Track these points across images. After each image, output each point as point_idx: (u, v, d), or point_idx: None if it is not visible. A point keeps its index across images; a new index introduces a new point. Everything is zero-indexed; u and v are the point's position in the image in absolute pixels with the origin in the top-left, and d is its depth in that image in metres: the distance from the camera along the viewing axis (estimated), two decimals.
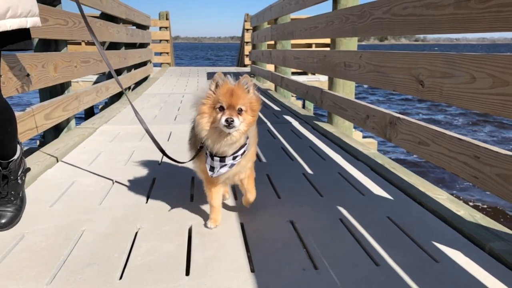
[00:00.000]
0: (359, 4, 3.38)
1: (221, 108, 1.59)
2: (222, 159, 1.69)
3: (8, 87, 2.56)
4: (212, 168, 1.72)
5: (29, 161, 2.77)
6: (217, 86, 1.63)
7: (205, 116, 1.62)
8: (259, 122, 1.82)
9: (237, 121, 1.56)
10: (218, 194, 1.88)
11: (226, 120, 1.55)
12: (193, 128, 1.84)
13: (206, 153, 1.73)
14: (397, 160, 4.74)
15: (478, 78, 1.84)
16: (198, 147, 1.80)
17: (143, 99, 6.16)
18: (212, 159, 1.70)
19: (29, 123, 2.88)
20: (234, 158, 1.69)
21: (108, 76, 6.46)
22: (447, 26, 2.10)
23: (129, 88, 7.27)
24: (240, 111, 1.60)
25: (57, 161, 2.86)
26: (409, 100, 17.01)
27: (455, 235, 1.83)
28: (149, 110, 5.16)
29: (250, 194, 1.96)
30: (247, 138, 1.72)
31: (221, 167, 1.70)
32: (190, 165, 2.02)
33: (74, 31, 4.03)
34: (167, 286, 1.43)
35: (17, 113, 2.74)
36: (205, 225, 1.88)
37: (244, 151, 1.72)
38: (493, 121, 11.85)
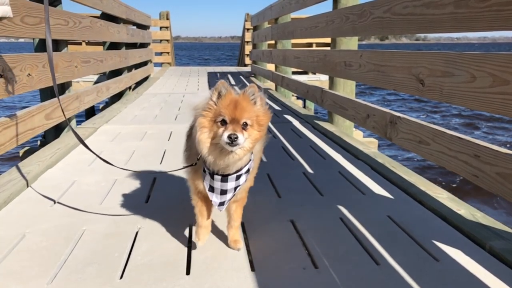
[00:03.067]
0: (359, 4, 3.37)
1: (223, 122, 1.39)
2: (224, 178, 1.49)
3: (9, 87, 2.56)
4: (211, 188, 1.52)
5: (29, 161, 2.78)
6: (219, 96, 1.42)
7: (205, 131, 1.42)
8: None
9: (241, 137, 1.36)
10: (208, 212, 1.64)
11: (229, 137, 1.34)
12: (189, 137, 1.66)
13: (205, 170, 1.52)
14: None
15: (478, 77, 1.84)
16: (193, 157, 1.58)
17: (143, 99, 6.16)
18: (212, 178, 1.50)
19: (29, 123, 2.88)
20: (237, 178, 1.50)
21: (109, 76, 6.46)
22: (447, 25, 2.10)
23: (129, 87, 7.28)
24: (245, 126, 1.39)
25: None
26: (402, 100, 16.96)
27: (455, 234, 1.83)
28: (150, 110, 5.16)
29: (234, 230, 1.70)
30: (251, 154, 1.53)
31: (222, 192, 1.51)
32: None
33: (74, 31, 4.03)
34: (167, 286, 1.43)
35: (18, 113, 2.74)
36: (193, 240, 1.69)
37: (249, 169, 1.53)
38: (488, 124, 11.79)
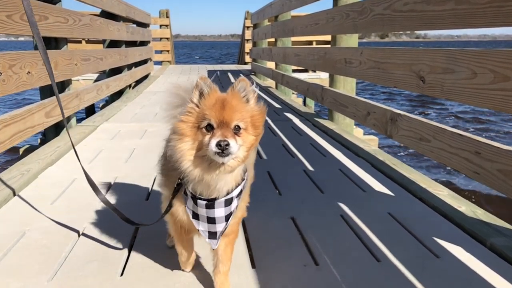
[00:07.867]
0: (360, 1, 3.37)
1: (209, 127, 1.10)
2: (210, 203, 1.19)
3: (8, 85, 2.55)
4: (196, 215, 1.22)
5: (30, 159, 2.78)
6: (201, 95, 1.14)
7: (187, 140, 1.13)
8: None
9: (234, 144, 1.07)
10: (191, 243, 1.42)
11: (219, 145, 1.05)
12: (165, 152, 1.33)
13: (186, 193, 1.23)
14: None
15: (479, 73, 1.83)
16: (173, 178, 1.26)
17: (144, 97, 6.16)
18: (195, 202, 1.20)
19: (29, 121, 2.88)
20: (227, 203, 1.20)
21: (109, 74, 6.45)
22: (448, 21, 2.09)
23: (129, 85, 7.27)
24: (237, 130, 1.11)
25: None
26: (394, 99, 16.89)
27: (456, 230, 1.82)
28: (150, 108, 5.16)
29: (222, 277, 1.35)
30: (246, 171, 1.22)
31: (209, 221, 1.21)
32: None
33: (74, 29, 4.03)
34: (168, 283, 1.43)
35: (17, 111, 2.74)
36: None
37: (241, 191, 1.22)
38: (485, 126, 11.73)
